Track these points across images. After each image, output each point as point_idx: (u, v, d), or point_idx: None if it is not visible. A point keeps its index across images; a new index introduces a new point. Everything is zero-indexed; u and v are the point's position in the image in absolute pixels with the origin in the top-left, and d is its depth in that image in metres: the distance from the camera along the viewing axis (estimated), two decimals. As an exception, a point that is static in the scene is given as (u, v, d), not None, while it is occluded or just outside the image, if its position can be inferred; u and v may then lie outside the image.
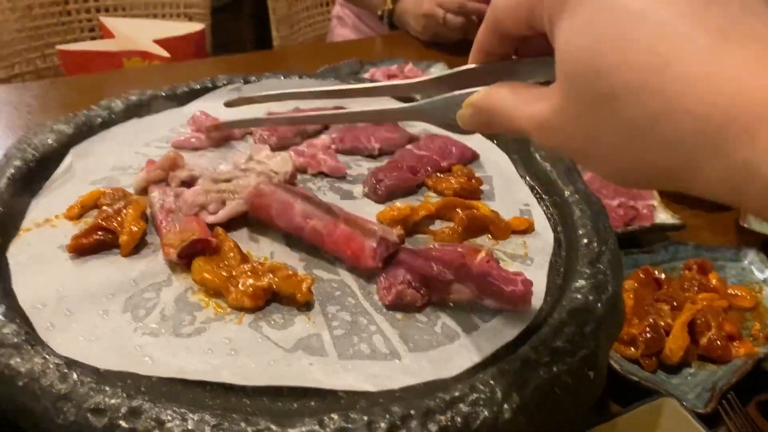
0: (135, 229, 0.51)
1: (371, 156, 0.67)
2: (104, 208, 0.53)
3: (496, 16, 0.36)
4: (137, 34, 1.48)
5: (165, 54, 1.42)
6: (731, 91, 0.24)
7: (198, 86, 0.75)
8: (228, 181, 0.55)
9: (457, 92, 0.38)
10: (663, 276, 0.74)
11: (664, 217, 0.84)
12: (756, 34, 0.26)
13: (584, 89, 0.29)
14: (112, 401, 0.38)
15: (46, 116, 1.06)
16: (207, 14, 1.78)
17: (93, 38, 1.70)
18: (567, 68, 0.29)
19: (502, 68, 0.38)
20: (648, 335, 0.65)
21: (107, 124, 0.68)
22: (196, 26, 1.57)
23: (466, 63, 0.40)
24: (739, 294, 0.74)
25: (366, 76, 1.17)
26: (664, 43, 0.26)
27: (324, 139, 0.67)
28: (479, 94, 0.36)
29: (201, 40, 1.56)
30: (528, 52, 0.38)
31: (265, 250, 0.53)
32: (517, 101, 0.33)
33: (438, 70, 1.20)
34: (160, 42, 1.45)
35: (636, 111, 0.27)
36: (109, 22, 1.55)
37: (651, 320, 0.66)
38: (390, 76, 1.15)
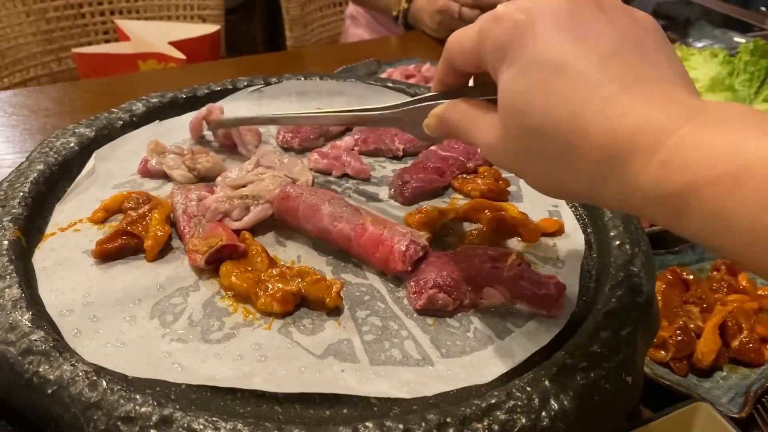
0: (160, 233, 0.51)
1: (395, 157, 0.66)
2: (129, 212, 0.53)
3: (451, 56, 0.42)
4: (152, 36, 1.47)
5: (180, 56, 1.42)
6: (624, 130, 0.31)
7: (218, 87, 0.74)
8: (245, 185, 0.54)
9: (429, 102, 0.46)
10: (691, 277, 0.73)
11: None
12: (651, 82, 0.33)
13: (518, 127, 0.36)
14: (143, 409, 0.37)
15: (63, 120, 1.07)
16: (221, 15, 1.78)
17: (108, 41, 1.69)
18: (505, 109, 0.37)
19: (458, 94, 0.45)
20: (678, 338, 0.63)
21: (128, 126, 0.67)
22: (211, 28, 1.56)
23: None
24: (769, 295, 0.72)
25: (383, 76, 1.16)
26: (575, 92, 0.33)
27: (347, 140, 0.66)
28: (442, 106, 0.44)
29: (216, 42, 1.56)
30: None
31: (291, 254, 0.52)
32: (471, 126, 0.41)
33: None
34: (175, 44, 1.44)
35: (553, 145, 0.34)
36: (124, 24, 1.55)
37: (681, 323, 0.64)
38: (408, 76, 1.14)
